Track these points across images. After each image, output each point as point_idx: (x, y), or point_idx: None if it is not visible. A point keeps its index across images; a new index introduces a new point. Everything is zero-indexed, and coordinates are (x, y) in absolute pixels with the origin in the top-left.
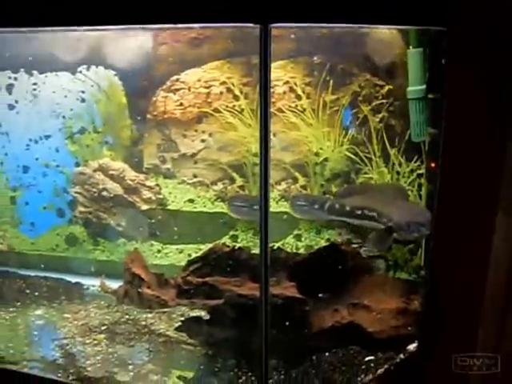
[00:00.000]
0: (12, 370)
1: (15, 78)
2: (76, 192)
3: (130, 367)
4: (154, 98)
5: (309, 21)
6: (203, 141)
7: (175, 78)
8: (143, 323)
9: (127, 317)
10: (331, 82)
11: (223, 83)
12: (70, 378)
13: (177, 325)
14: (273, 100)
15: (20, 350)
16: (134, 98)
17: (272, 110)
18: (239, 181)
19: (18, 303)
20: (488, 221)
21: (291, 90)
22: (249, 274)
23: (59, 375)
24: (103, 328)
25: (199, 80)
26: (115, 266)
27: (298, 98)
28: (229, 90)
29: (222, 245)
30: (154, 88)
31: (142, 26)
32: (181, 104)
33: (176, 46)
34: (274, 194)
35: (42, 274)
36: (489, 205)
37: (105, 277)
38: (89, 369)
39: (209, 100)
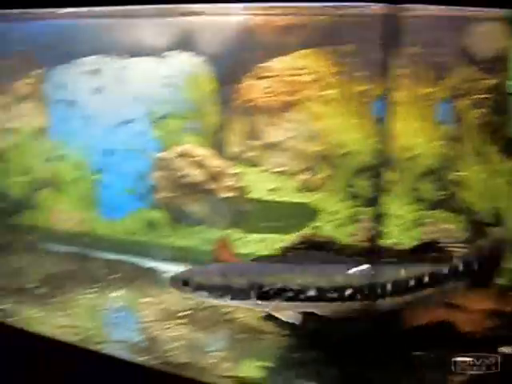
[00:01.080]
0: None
1: (103, 63)
2: (158, 177)
3: (212, 354)
4: (241, 85)
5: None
6: (289, 130)
7: (263, 65)
8: (223, 310)
9: (207, 304)
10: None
11: (313, 72)
12: (155, 361)
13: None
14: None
15: (102, 331)
16: (221, 84)
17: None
18: (325, 171)
19: (98, 285)
20: None
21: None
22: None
23: (143, 358)
24: (184, 313)
25: (288, 68)
26: (193, 252)
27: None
28: (318, 78)
29: (312, 235)
30: (241, 75)
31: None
32: (268, 92)
33: (265, 33)
34: (293, 183)
35: (121, 257)
36: None
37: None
38: (172, 353)
39: (297, 88)
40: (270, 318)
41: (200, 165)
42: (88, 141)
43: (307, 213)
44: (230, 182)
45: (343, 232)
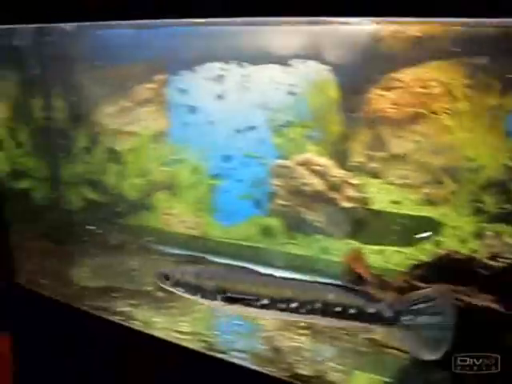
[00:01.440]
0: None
1: (226, 70)
2: (276, 184)
3: (338, 367)
4: (368, 95)
5: None
6: (415, 142)
7: (391, 75)
8: None
9: None
10: None
11: (443, 84)
12: (282, 373)
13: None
14: None
15: (223, 339)
16: (346, 93)
17: None
18: (449, 185)
19: None
20: None
21: None
22: (479, 284)
23: (269, 369)
24: (305, 324)
25: (417, 79)
26: (310, 261)
27: None
28: (448, 91)
29: (454, 252)
30: (367, 85)
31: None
32: (395, 103)
33: (395, 43)
34: (416, 196)
35: (236, 263)
36: None
37: (296, 271)
38: (298, 365)
39: (426, 100)
40: None
41: (321, 174)
42: (207, 146)
43: (429, 227)
44: (351, 193)
45: (465, 248)
